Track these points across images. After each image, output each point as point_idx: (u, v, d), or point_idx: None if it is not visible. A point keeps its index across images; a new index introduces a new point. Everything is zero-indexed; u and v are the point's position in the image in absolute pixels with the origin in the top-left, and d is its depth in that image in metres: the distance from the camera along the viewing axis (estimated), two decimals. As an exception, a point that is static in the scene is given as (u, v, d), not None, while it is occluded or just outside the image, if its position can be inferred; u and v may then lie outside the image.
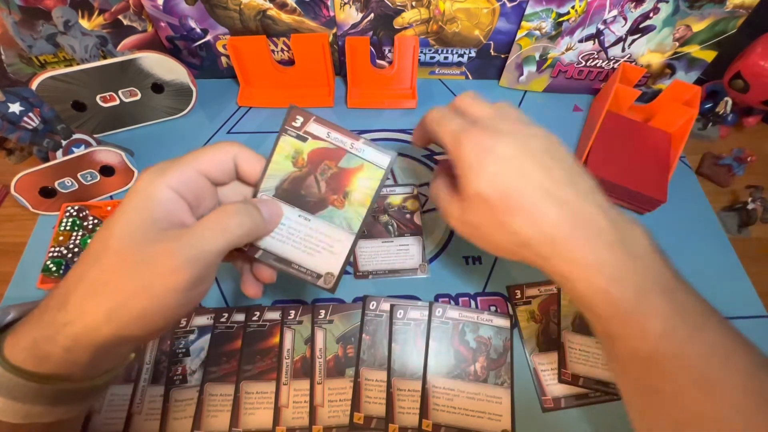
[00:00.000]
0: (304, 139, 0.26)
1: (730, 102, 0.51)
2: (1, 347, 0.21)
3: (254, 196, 0.27)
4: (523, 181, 0.25)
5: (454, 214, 0.29)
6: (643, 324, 0.23)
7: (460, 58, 0.55)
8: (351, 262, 0.42)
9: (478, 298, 0.40)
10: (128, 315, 0.21)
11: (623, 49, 0.50)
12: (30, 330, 0.22)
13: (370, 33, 0.52)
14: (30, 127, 0.41)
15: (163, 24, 0.50)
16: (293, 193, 0.27)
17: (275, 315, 0.38)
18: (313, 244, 0.27)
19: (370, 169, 0.27)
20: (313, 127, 0.27)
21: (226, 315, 0.38)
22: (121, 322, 0.21)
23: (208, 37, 0.52)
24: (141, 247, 0.21)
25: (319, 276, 0.27)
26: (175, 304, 0.22)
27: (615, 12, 0.46)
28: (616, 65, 0.52)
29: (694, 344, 0.22)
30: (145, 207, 0.22)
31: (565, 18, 0.47)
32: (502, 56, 0.54)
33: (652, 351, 0.23)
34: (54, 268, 0.39)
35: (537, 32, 0.49)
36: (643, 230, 0.25)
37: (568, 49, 0.51)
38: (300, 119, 0.26)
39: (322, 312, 0.39)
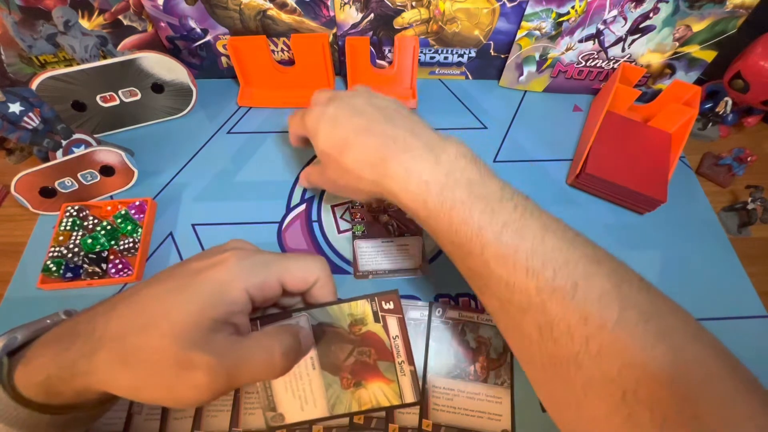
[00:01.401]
0: (377, 320, 0.27)
1: (730, 102, 0.51)
2: (12, 377, 0.22)
3: (296, 310, 0.27)
4: (346, 127, 0.31)
5: (319, 179, 0.37)
6: (449, 215, 0.26)
7: (460, 58, 0.55)
8: (351, 262, 0.42)
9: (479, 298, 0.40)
10: (146, 395, 0.21)
11: (623, 49, 0.50)
12: (45, 365, 0.22)
13: (370, 33, 0.52)
14: (30, 127, 0.41)
15: (163, 24, 0.50)
16: (325, 341, 0.26)
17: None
18: (295, 386, 0.26)
19: (393, 389, 0.26)
20: (392, 322, 0.27)
21: (226, 315, 0.38)
22: (137, 396, 0.21)
23: (208, 37, 0.52)
24: (187, 348, 0.20)
25: (274, 410, 0.26)
26: (187, 405, 0.23)
27: (615, 12, 0.46)
28: (616, 65, 0.52)
29: (491, 223, 0.25)
30: (216, 305, 0.22)
31: (565, 18, 0.47)
32: (502, 56, 0.54)
33: (460, 237, 0.26)
34: (54, 268, 0.39)
35: (537, 32, 0.49)
36: (454, 143, 0.29)
37: (568, 49, 0.51)
38: (391, 305, 0.27)
39: (322, 312, 0.39)
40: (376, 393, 0.26)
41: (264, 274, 0.24)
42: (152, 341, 0.20)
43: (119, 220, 0.42)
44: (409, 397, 0.26)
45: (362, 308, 0.27)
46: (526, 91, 0.57)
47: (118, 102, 0.49)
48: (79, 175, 0.44)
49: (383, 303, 0.27)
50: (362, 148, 0.29)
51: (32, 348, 0.23)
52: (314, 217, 0.45)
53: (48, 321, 0.24)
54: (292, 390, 0.26)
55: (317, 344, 0.26)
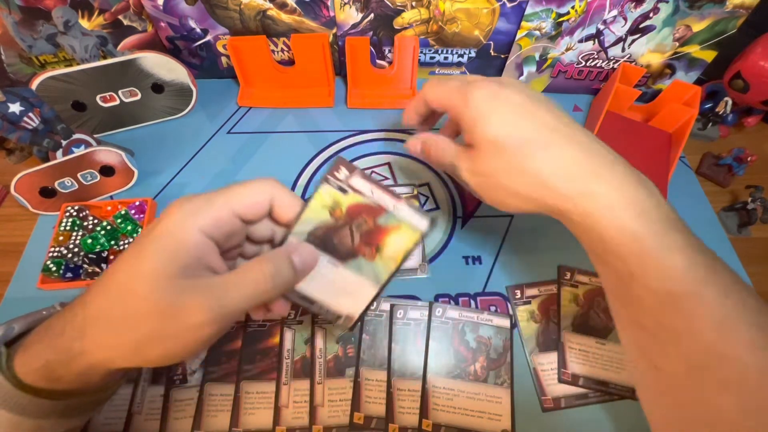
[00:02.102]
0: (344, 192, 0.26)
1: (730, 102, 0.51)
2: (12, 365, 0.22)
3: (284, 238, 0.26)
4: (536, 122, 0.26)
5: (465, 166, 0.29)
6: (665, 260, 0.22)
7: (460, 59, 0.55)
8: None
9: (478, 298, 0.40)
10: (153, 353, 0.21)
11: (623, 49, 0.50)
12: (42, 352, 0.22)
13: (370, 33, 0.52)
14: (30, 127, 0.41)
15: (163, 24, 0.50)
16: (325, 241, 0.26)
17: (275, 315, 0.39)
18: (338, 288, 0.27)
19: (406, 229, 0.26)
20: (357, 181, 0.26)
21: (226, 315, 0.38)
22: (145, 357, 0.21)
23: (208, 37, 0.52)
24: (170, 296, 0.20)
25: (338, 317, 0.27)
26: (199, 348, 0.22)
27: (615, 12, 0.46)
28: (616, 65, 0.52)
29: (711, 283, 0.22)
30: (175, 252, 0.21)
31: (565, 18, 0.47)
32: (502, 56, 0.54)
33: (672, 288, 0.22)
34: (54, 268, 0.39)
35: (537, 32, 0.49)
36: (643, 175, 0.26)
37: (568, 49, 0.51)
38: (344, 171, 0.26)
39: (322, 312, 0.39)
40: (397, 243, 0.26)
41: (209, 209, 0.23)
42: (135, 304, 0.20)
43: (119, 220, 0.42)
44: (422, 224, 0.26)
45: (327, 194, 0.26)
46: (526, 91, 0.57)
47: (118, 102, 0.49)
48: (79, 175, 0.44)
49: (336, 174, 0.26)
50: (560, 154, 0.25)
51: (29, 337, 0.23)
52: (314, 217, 0.45)
53: (44, 312, 0.24)
54: (337, 295, 0.27)
55: (323, 249, 0.26)
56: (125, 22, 0.50)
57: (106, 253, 0.41)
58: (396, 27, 0.51)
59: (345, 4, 0.48)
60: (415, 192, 0.47)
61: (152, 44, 0.52)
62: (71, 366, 0.21)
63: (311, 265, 0.26)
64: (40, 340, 0.22)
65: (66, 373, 0.22)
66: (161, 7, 0.48)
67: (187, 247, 0.21)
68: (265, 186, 0.25)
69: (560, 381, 0.36)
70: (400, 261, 0.26)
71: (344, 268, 0.27)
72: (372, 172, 0.49)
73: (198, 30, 0.51)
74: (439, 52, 0.54)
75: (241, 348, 0.37)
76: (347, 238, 0.26)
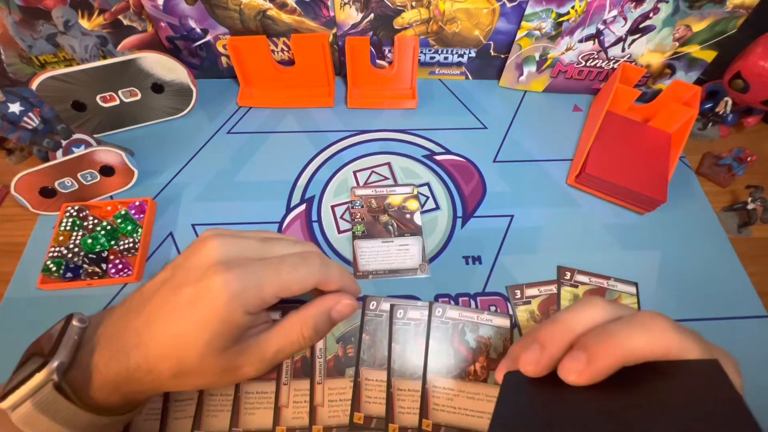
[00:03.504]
0: None
1: (730, 102, 0.51)
2: (81, 392, 0.24)
3: None
4: None
5: None
6: None
7: (460, 58, 0.55)
8: (351, 262, 0.42)
9: (478, 298, 0.40)
10: (210, 388, 0.26)
11: (623, 49, 0.50)
12: (109, 381, 0.24)
13: (370, 33, 0.52)
14: (30, 127, 0.41)
15: (163, 24, 0.50)
16: None
17: (276, 315, 0.38)
18: None
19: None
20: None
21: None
22: (201, 388, 0.26)
23: (208, 37, 0.52)
24: (224, 363, 0.24)
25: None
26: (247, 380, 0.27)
27: (615, 12, 0.46)
28: (616, 65, 0.52)
29: None
30: (228, 332, 0.24)
31: (565, 18, 0.47)
32: (502, 56, 0.54)
33: None
34: (54, 268, 0.39)
35: (537, 32, 0.49)
36: None
37: (568, 49, 0.51)
38: None
39: (322, 312, 0.39)
40: None
41: (259, 297, 0.24)
42: (194, 369, 0.24)
43: (119, 220, 0.42)
44: None
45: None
46: (526, 91, 0.57)
47: (118, 102, 0.49)
48: (79, 175, 0.44)
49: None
50: None
51: (89, 367, 0.24)
52: (314, 217, 0.46)
53: (75, 337, 0.24)
54: None
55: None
56: (125, 22, 0.50)
57: (106, 253, 0.41)
58: (396, 27, 0.51)
59: (345, 4, 0.48)
60: (415, 192, 0.47)
61: (152, 44, 0.52)
62: (138, 396, 0.26)
63: (348, 316, 0.28)
64: (104, 372, 0.24)
65: (128, 396, 0.25)
66: (161, 7, 0.48)
67: (238, 326, 0.24)
68: (312, 272, 0.26)
69: (560, 381, 0.36)
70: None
71: None
72: (372, 172, 0.49)
73: (198, 30, 0.51)
74: (439, 52, 0.54)
75: (241, 348, 0.37)
76: None
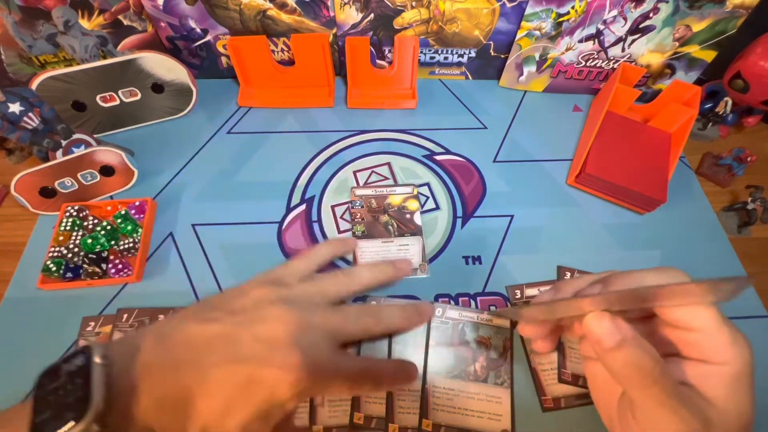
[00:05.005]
0: None
1: (730, 102, 0.51)
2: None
3: None
4: None
5: None
6: None
7: (460, 58, 0.55)
8: (351, 262, 0.42)
9: (478, 298, 0.40)
10: None
11: (623, 49, 0.50)
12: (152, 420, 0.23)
13: (370, 33, 0.52)
14: (30, 127, 0.41)
15: (163, 24, 0.50)
16: None
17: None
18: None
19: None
20: None
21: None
22: None
23: (208, 37, 0.52)
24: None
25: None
26: None
27: (615, 12, 0.46)
28: (616, 65, 0.52)
29: None
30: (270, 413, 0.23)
31: (565, 18, 0.47)
32: (502, 56, 0.54)
33: None
34: (54, 268, 0.39)
35: (537, 32, 0.49)
36: None
37: (568, 49, 0.51)
38: None
39: (322, 312, 0.39)
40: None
41: (316, 389, 0.24)
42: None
43: (119, 220, 0.42)
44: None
45: None
46: (526, 91, 0.57)
47: (118, 102, 0.49)
48: (79, 175, 0.44)
49: None
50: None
51: (130, 413, 0.22)
52: (314, 217, 0.45)
53: (104, 378, 0.22)
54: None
55: None
56: (125, 22, 0.50)
57: (106, 253, 0.41)
58: (396, 27, 0.51)
59: (345, 4, 0.48)
60: (415, 192, 0.47)
61: (152, 44, 0.52)
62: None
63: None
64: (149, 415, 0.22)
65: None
66: (161, 7, 0.48)
67: (284, 413, 0.24)
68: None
69: (560, 381, 0.36)
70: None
71: None
72: (372, 172, 0.49)
73: (198, 30, 0.51)
74: (439, 52, 0.54)
75: (241, 348, 0.37)
76: None
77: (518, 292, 0.41)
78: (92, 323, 0.38)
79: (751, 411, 0.21)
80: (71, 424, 0.20)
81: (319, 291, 0.27)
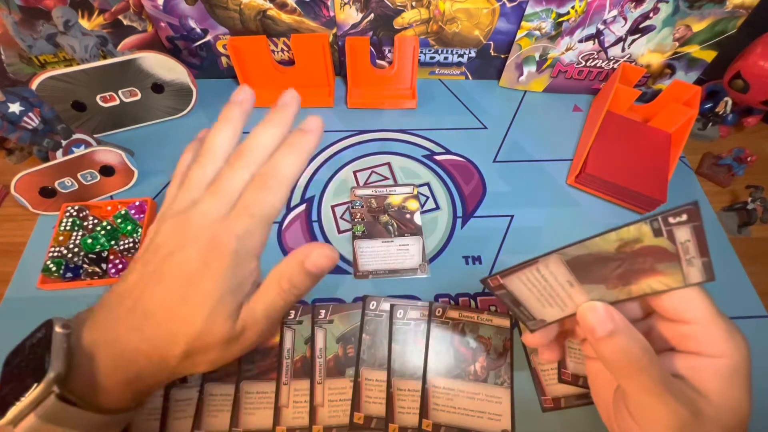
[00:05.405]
0: (659, 234, 0.21)
1: (730, 102, 0.51)
2: (87, 398, 0.22)
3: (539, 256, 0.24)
4: None
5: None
6: None
7: (460, 58, 0.55)
8: (351, 262, 0.42)
9: (478, 298, 0.40)
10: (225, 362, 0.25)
11: (623, 49, 0.50)
12: (125, 387, 0.24)
13: (370, 33, 0.52)
14: (30, 127, 0.41)
15: (163, 24, 0.50)
16: (584, 266, 0.23)
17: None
18: (553, 299, 0.25)
19: (674, 278, 0.22)
20: (681, 231, 0.21)
21: (226, 315, 0.38)
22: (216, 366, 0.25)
23: (208, 37, 0.52)
24: (230, 328, 0.24)
25: (533, 320, 0.27)
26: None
27: (615, 12, 0.46)
28: (616, 65, 0.52)
29: None
30: (236, 286, 0.24)
31: (565, 18, 0.47)
32: (502, 56, 0.54)
33: None
34: (54, 268, 0.39)
35: (537, 32, 0.49)
36: None
37: (568, 49, 0.51)
38: (683, 217, 0.21)
39: (322, 312, 0.39)
40: (649, 284, 0.23)
41: (266, 235, 0.26)
42: (204, 334, 0.23)
43: (119, 220, 0.42)
44: (695, 277, 0.22)
45: (636, 231, 0.21)
46: (526, 91, 0.57)
47: (118, 102, 0.49)
48: (79, 175, 0.44)
49: (670, 218, 0.21)
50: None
51: (93, 372, 0.23)
52: (314, 217, 0.45)
53: (65, 345, 0.23)
54: (547, 303, 0.25)
55: (573, 270, 0.23)
56: (125, 22, 0.50)
57: (106, 253, 0.41)
58: (396, 27, 0.51)
59: (345, 4, 0.48)
60: (415, 192, 0.47)
61: (152, 44, 0.52)
62: (152, 388, 0.25)
63: (326, 267, 0.26)
64: (117, 378, 0.24)
65: (140, 389, 0.25)
66: (161, 7, 0.48)
67: (249, 273, 0.25)
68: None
69: (560, 381, 0.36)
70: (634, 296, 0.24)
71: (577, 288, 0.24)
72: (372, 172, 0.49)
73: (198, 30, 0.51)
74: (439, 52, 0.54)
75: (241, 348, 0.37)
76: (608, 269, 0.23)
77: (518, 292, 0.41)
78: (92, 323, 0.38)
79: (747, 406, 0.22)
80: (33, 387, 0.21)
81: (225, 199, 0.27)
